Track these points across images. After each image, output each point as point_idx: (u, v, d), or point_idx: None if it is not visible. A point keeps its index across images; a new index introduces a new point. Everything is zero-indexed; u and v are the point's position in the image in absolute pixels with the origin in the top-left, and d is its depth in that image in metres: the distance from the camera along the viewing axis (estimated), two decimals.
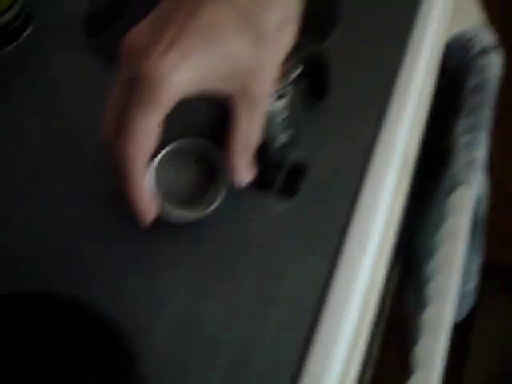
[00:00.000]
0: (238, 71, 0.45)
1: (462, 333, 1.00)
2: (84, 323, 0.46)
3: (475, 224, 0.65)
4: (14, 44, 0.69)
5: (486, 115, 0.70)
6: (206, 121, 0.57)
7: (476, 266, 0.75)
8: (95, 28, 0.71)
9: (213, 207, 0.51)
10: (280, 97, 0.53)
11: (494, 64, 0.74)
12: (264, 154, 0.56)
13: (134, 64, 0.43)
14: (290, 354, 0.47)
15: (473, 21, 0.80)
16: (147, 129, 0.44)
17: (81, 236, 0.54)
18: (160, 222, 0.50)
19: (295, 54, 0.54)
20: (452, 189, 0.62)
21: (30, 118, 0.63)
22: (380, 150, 0.56)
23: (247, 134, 0.48)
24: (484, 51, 0.74)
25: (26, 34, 0.70)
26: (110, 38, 0.70)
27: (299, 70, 0.54)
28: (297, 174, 0.56)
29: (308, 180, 0.55)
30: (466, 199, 0.61)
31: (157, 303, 0.50)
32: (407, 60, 0.63)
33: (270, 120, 0.55)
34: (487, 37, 0.76)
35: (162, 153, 0.51)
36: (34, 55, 0.69)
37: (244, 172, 0.50)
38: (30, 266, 0.52)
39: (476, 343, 1.35)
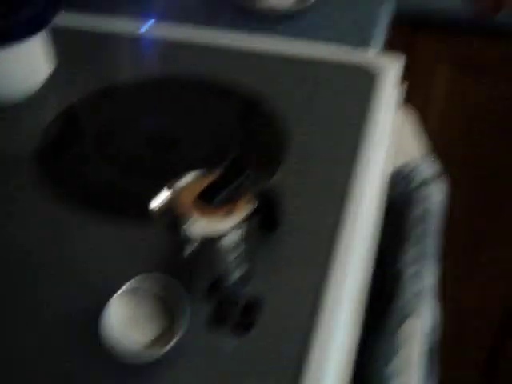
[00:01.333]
0: None
1: None
2: None
3: (431, 351, 0.66)
4: None
5: (432, 243, 0.73)
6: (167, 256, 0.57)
7: None
8: (47, 157, 0.71)
9: (169, 347, 0.51)
10: (234, 233, 0.54)
11: (435, 194, 0.78)
12: (218, 290, 0.56)
13: None
14: None
15: (415, 153, 0.84)
16: None
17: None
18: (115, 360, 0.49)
19: (248, 190, 0.56)
20: (402, 320, 0.63)
21: None
22: (333, 279, 0.57)
23: None
24: (425, 182, 0.77)
25: None
26: (61, 166, 0.71)
27: (253, 207, 0.55)
28: (252, 308, 0.56)
29: (263, 313, 0.55)
30: (416, 331, 0.62)
31: None
32: (356, 189, 0.66)
33: (223, 256, 0.55)
34: (428, 168, 0.80)
35: (119, 291, 0.51)
36: None
37: None
38: None
39: None
